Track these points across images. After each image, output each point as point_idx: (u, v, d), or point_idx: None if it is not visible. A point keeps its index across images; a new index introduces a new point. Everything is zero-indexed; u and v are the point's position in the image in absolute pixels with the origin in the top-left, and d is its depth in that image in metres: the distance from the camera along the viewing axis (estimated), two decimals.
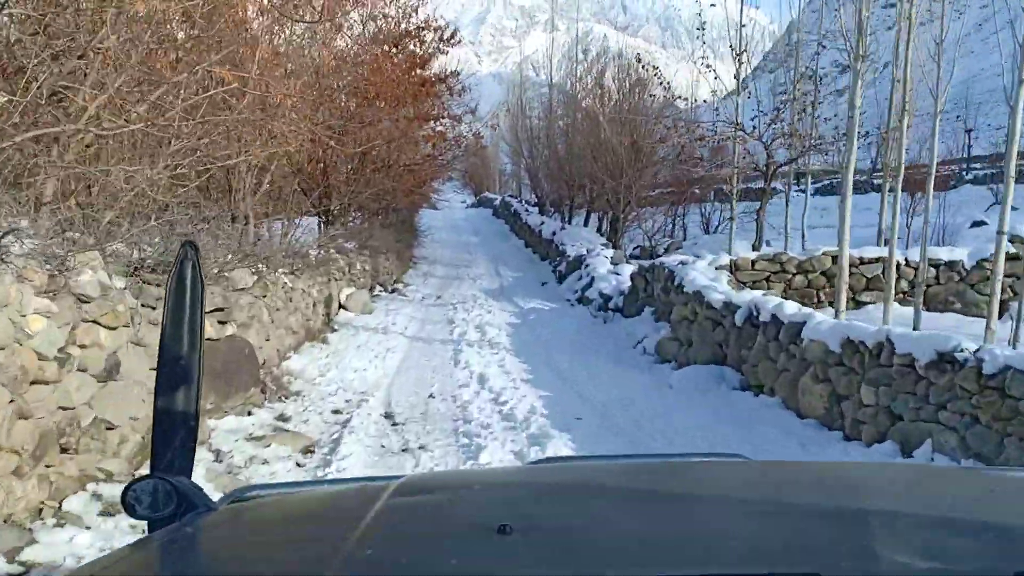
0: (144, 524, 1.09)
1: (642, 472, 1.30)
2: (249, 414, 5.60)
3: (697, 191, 20.49)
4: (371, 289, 13.74)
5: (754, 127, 9.87)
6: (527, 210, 25.02)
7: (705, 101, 12.46)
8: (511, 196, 31.57)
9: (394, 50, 15.10)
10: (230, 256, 6.61)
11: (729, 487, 1.09)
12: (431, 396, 6.63)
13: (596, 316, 11.52)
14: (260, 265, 7.24)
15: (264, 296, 7.08)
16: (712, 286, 7.42)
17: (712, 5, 10.32)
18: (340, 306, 11.22)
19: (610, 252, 14.76)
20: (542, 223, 21.00)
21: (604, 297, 11.94)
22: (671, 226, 20.30)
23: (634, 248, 18.75)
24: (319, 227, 12.87)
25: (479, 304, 12.48)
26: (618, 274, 12.73)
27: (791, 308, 5.72)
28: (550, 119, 24.12)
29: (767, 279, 8.88)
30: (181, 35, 5.68)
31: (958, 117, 28.20)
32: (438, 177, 21.22)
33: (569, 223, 20.95)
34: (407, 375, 7.47)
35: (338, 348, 8.59)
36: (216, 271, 5.97)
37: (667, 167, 18.86)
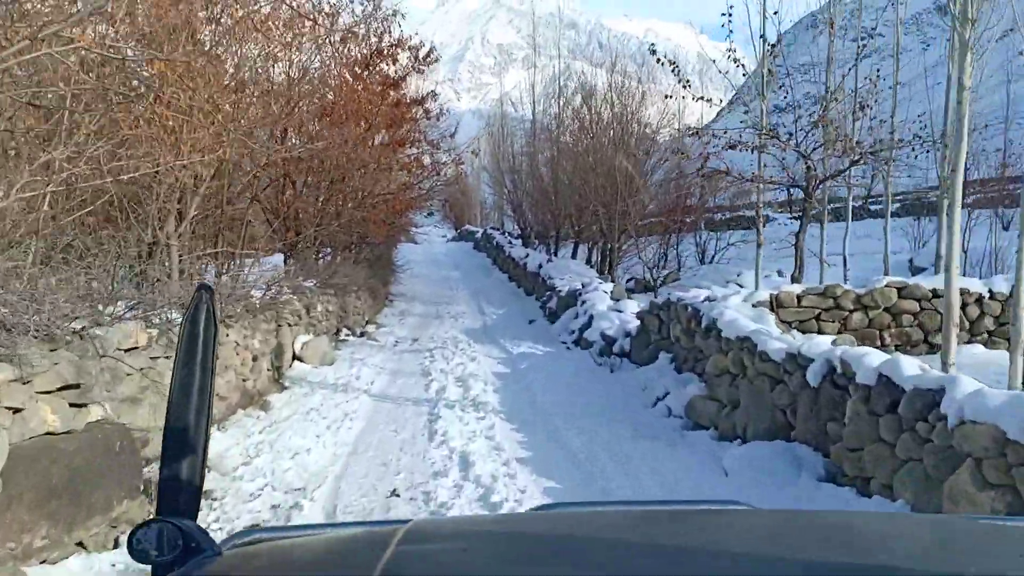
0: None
1: (654, 521, 1.20)
2: (115, 545, 3.71)
3: (690, 219, 19.18)
4: (337, 333, 11.88)
5: (790, 134, 8.22)
6: (510, 242, 23.58)
7: (724, 104, 10.82)
8: (493, 228, 30.20)
9: (366, 72, 13.72)
10: (114, 305, 4.78)
11: (744, 538, 1.05)
12: (394, 494, 4.77)
13: (600, 363, 9.74)
14: (165, 315, 5.40)
15: (168, 356, 5.23)
16: (764, 331, 5.67)
17: (728, 18, 8.82)
18: (295, 357, 9.34)
19: (608, 286, 13.06)
20: (527, 256, 19.47)
21: (607, 339, 10.19)
22: (664, 256, 18.88)
23: (628, 280, 17.23)
24: (285, 263, 11.12)
25: (461, 349, 10.66)
26: (620, 311, 11.03)
27: (910, 367, 3.94)
28: (534, 148, 22.72)
29: (817, 317, 7.18)
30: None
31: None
32: (415, 208, 19.61)
33: (555, 255, 19.41)
34: (365, 457, 5.60)
35: (280, 417, 6.70)
36: (79, 327, 4.13)
37: (663, 191, 17.45)
